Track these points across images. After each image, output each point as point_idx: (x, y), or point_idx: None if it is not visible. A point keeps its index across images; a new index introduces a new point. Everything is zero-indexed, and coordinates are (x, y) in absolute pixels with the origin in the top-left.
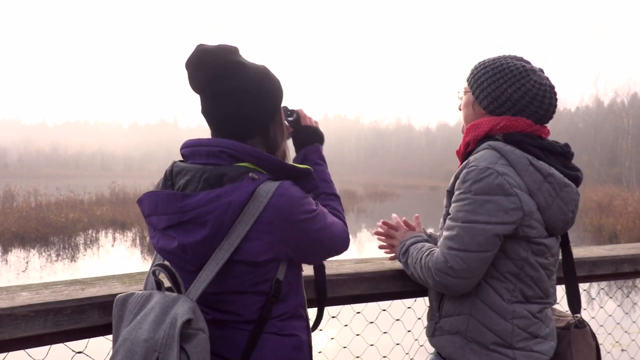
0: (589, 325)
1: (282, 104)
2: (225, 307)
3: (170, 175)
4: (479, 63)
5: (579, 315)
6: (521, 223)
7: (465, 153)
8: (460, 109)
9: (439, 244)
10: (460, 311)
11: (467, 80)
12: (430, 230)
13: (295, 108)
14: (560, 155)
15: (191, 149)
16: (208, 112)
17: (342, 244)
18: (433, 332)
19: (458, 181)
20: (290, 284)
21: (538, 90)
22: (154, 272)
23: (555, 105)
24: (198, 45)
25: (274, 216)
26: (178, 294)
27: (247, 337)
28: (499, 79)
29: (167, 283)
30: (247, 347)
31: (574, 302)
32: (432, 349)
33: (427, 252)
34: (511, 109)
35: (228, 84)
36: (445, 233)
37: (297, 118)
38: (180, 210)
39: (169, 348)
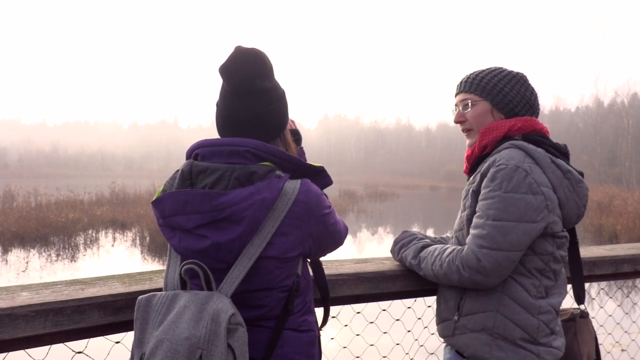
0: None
1: None
2: (250, 304)
3: (190, 175)
4: (483, 73)
5: (583, 305)
6: (549, 221)
7: (479, 156)
8: (460, 121)
9: (467, 241)
10: (485, 308)
11: (475, 91)
12: (429, 232)
13: None
14: (564, 155)
15: (210, 149)
16: (239, 111)
17: (344, 238)
18: (453, 332)
19: (486, 179)
20: (306, 279)
21: (534, 91)
22: (185, 271)
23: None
24: (237, 47)
25: (302, 211)
26: (210, 291)
27: (267, 335)
28: (515, 85)
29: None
30: (270, 345)
31: (580, 293)
32: (432, 349)
33: (445, 249)
34: (528, 111)
35: (270, 82)
36: (474, 231)
37: None
38: (216, 209)
39: (213, 344)
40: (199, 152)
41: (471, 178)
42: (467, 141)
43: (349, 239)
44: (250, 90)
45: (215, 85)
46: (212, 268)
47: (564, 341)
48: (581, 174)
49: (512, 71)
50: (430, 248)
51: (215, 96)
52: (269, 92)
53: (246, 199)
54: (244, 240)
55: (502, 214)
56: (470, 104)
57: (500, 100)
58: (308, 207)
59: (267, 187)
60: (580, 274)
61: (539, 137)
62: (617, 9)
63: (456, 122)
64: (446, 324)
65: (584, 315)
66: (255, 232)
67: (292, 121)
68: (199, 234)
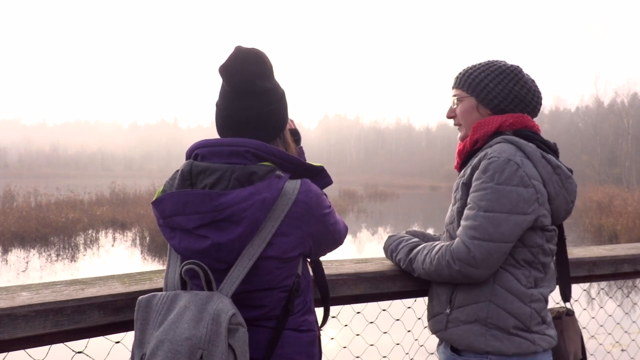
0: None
1: None
2: (251, 304)
3: (189, 175)
4: (473, 68)
5: (569, 303)
6: (539, 214)
7: (470, 151)
8: (451, 116)
9: (458, 233)
10: (478, 299)
11: (462, 87)
12: (429, 232)
13: None
14: (553, 152)
15: (210, 149)
16: (245, 110)
17: (344, 237)
18: (446, 325)
19: (478, 172)
20: (306, 279)
21: (532, 86)
22: (185, 272)
23: (542, 99)
24: (237, 47)
25: (303, 211)
26: (210, 292)
27: (267, 335)
28: (503, 79)
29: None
30: (270, 345)
31: (566, 290)
32: (432, 349)
33: (434, 247)
34: (517, 107)
35: (270, 83)
36: (465, 223)
37: None
38: (216, 209)
39: (213, 344)
40: (199, 152)
41: (462, 172)
42: (459, 134)
43: (349, 239)
44: (250, 91)
45: (215, 85)
46: (213, 268)
47: (555, 332)
48: (570, 170)
49: (503, 66)
50: (419, 247)
51: (215, 96)
52: (269, 93)
53: (246, 199)
54: (244, 240)
55: (494, 205)
56: (458, 100)
57: (485, 96)
58: (308, 207)
59: (267, 187)
60: (567, 272)
61: (530, 133)
62: (617, 9)
63: (448, 117)
64: (438, 318)
65: (570, 313)
66: (255, 232)
67: (292, 121)
68: (199, 235)
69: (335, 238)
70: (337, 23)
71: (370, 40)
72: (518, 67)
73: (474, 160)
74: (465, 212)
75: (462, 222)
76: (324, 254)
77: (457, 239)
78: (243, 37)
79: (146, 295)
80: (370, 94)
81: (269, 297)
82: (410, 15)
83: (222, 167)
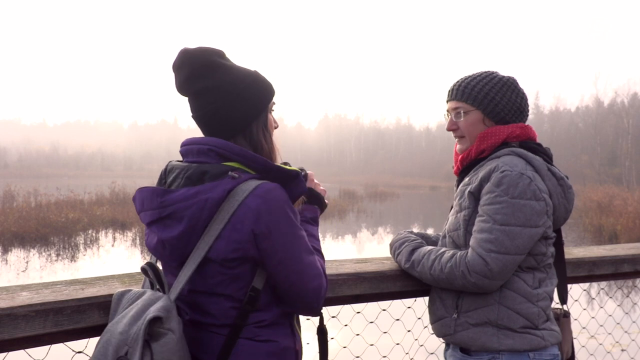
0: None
1: (298, 167)
2: (203, 308)
3: (164, 174)
4: (474, 81)
5: (566, 305)
6: (547, 226)
7: (475, 159)
8: (453, 129)
9: (472, 244)
10: (487, 302)
11: (467, 100)
12: (429, 232)
13: (308, 171)
14: (550, 158)
15: (186, 148)
16: (193, 112)
17: (313, 292)
18: (454, 329)
19: (490, 184)
20: (268, 295)
21: (525, 95)
22: (142, 270)
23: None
24: (182, 49)
25: (245, 215)
26: (162, 293)
27: (222, 342)
28: (506, 92)
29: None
30: (222, 352)
31: (563, 293)
32: (432, 349)
33: (442, 253)
34: (515, 115)
35: (208, 82)
36: (481, 235)
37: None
38: (161, 206)
39: (137, 343)
40: (180, 150)
41: (467, 179)
42: (459, 146)
43: (349, 239)
44: (190, 93)
45: None
46: (168, 264)
47: (558, 328)
48: (566, 177)
49: (502, 77)
50: (423, 250)
51: None
52: (208, 92)
53: (189, 198)
54: (186, 239)
55: (509, 218)
56: (462, 113)
57: (492, 109)
58: (255, 212)
59: (215, 188)
60: (564, 275)
61: (534, 145)
62: (617, 9)
63: (449, 129)
64: (444, 322)
65: (567, 315)
66: (197, 233)
67: (318, 184)
68: (152, 231)
69: (290, 273)
70: (337, 23)
71: (370, 40)
72: (513, 77)
73: (482, 171)
74: (479, 224)
75: (477, 235)
76: (290, 291)
77: (470, 250)
78: (243, 37)
79: (122, 289)
80: (370, 94)
81: (216, 305)
82: (410, 15)
83: (181, 166)
